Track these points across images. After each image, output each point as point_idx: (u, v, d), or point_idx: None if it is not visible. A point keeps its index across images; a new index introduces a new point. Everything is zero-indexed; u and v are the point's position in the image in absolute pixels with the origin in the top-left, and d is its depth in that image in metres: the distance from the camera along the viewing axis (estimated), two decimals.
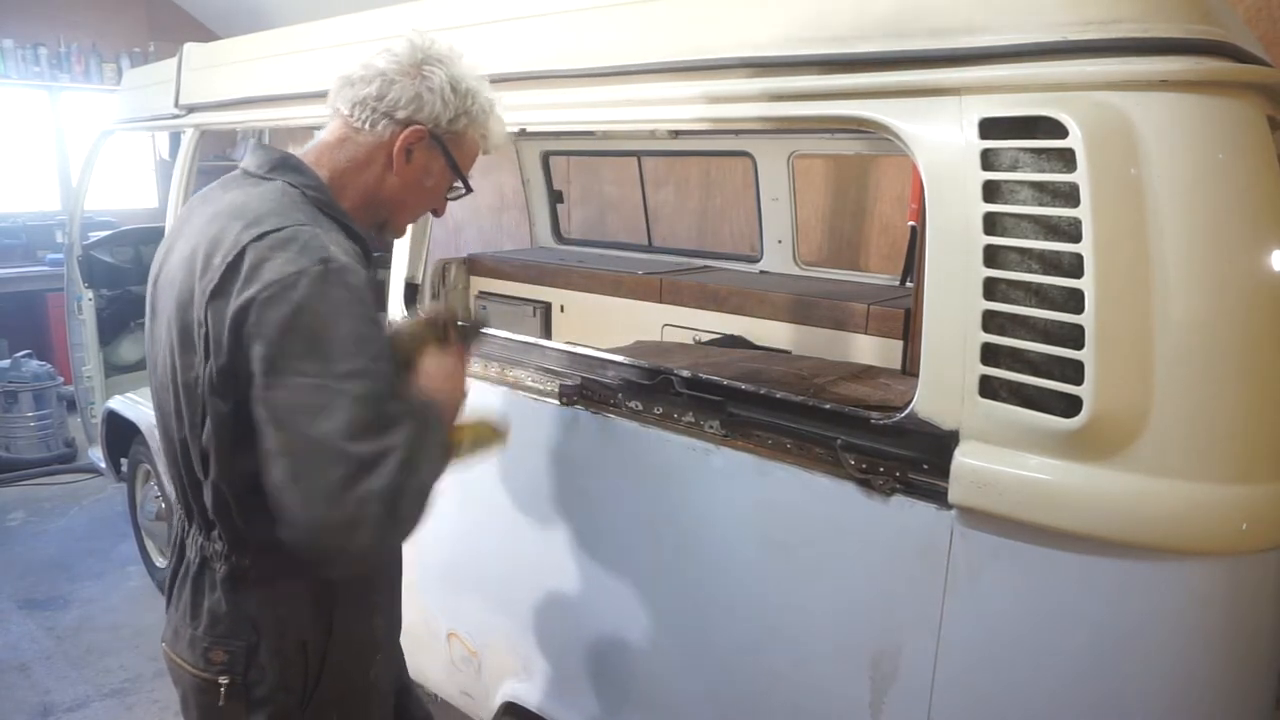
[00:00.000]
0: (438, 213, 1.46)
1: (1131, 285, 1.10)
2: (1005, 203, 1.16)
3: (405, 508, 1.10)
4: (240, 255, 1.13)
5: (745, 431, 1.51)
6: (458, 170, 1.38)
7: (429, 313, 1.50)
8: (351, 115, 1.30)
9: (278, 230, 1.15)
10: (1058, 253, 1.12)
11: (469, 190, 1.42)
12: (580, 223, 4.81)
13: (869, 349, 2.53)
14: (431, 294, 3.51)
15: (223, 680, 1.28)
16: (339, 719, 1.37)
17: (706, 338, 2.80)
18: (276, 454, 1.09)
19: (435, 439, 1.21)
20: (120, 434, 3.59)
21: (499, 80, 1.84)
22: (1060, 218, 1.12)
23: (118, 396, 3.58)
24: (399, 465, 1.08)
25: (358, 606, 1.38)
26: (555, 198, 4.19)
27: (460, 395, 1.38)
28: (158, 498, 3.43)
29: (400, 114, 1.29)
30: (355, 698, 1.39)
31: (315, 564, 1.17)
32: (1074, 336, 1.12)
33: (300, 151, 1.33)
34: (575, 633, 1.84)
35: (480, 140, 1.39)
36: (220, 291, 1.13)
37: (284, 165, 1.29)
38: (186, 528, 1.34)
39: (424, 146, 1.32)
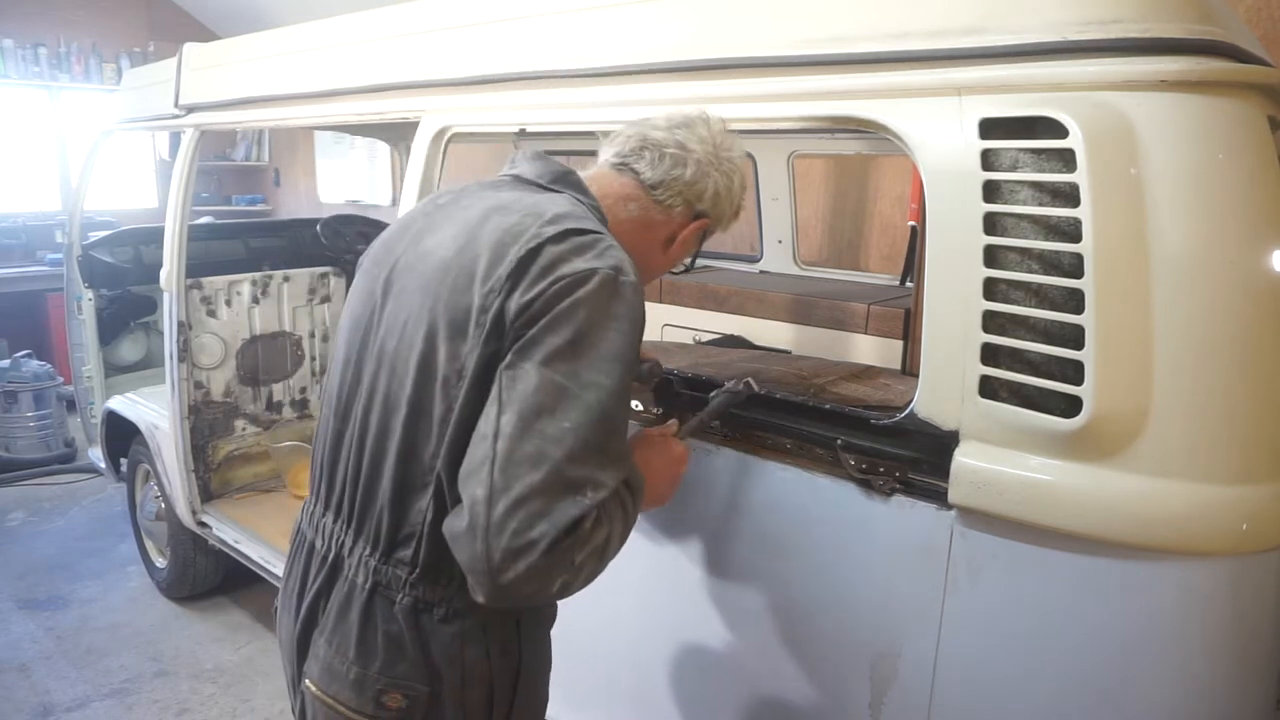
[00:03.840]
0: None
1: (1131, 285, 1.09)
2: (1005, 203, 1.16)
3: (580, 554, 0.99)
4: (538, 249, 1.06)
5: (745, 432, 1.51)
6: (698, 252, 1.42)
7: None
8: (657, 190, 1.28)
9: (581, 234, 1.09)
10: (1058, 253, 1.12)
11: (690, 270, 1.44)
12: None
13: (869, 349, 2.53)
14: None
15: None
16: None
17: (706, 338, 2.79)
18: (483, 436, 1.00)
19: (633, 509, 1.14)
20: (120, 434, 3.59)
21: (499, 80, 1.85)
22: (1060, 218, 1.12)
23: (117, 396, 3.57)
24: (596, 507, 0.99)
25: (543, 625, 1.28)
26: None
27: (669, 491, 1.34)
28: (157, 498, 3.42)
29: (700, 206, 1.30)
30: None
31: (463, 577, 1.03)
32: (1074, 336, 1.11)
33: (584, 175, 1.29)
34: (573, 632, 1.83)
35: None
36: (513, 280, 1.06)
37: (568, 180, 1.24)
38: (349, 544, 1.18)
39: (698, 233, 1.34)
